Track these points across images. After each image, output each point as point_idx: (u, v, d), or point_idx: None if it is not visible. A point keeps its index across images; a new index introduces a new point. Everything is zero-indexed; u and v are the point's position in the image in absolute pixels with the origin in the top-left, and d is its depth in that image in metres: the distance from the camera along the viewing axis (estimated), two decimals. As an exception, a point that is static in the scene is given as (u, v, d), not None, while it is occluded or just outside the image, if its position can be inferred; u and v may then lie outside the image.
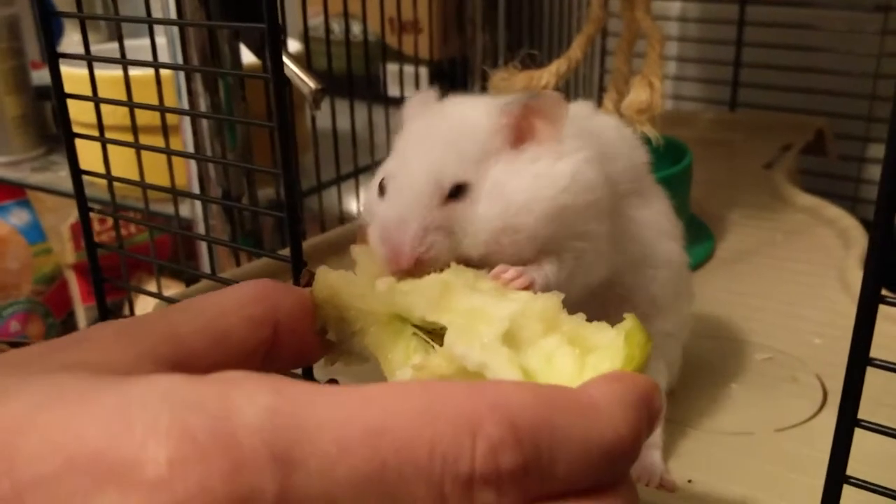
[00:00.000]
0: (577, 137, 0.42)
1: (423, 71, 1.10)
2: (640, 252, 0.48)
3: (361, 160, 0.86)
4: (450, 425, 0.22)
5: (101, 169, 0.56)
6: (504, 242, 0.40)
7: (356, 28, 1.02)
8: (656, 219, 0.50)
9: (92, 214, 0.58)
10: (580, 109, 0.49)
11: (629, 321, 0.31)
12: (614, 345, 0.30)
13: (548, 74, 0.74)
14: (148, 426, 0.20)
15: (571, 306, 0.33)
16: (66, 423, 0.21)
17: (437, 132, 0.42)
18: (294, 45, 1.00)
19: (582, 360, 0.30)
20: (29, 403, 0.22)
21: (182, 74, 0.75)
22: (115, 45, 0.57)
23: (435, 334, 0.35)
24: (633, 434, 0.25)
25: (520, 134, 0.42)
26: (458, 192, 0.40)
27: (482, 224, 0.40)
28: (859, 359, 0.33)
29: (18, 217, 1.14)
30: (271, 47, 0.42)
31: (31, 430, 0.21)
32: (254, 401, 0.21)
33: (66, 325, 1.17)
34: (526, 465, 0.22)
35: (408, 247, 0.38)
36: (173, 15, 0.72)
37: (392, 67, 1.10)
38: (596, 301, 0.47)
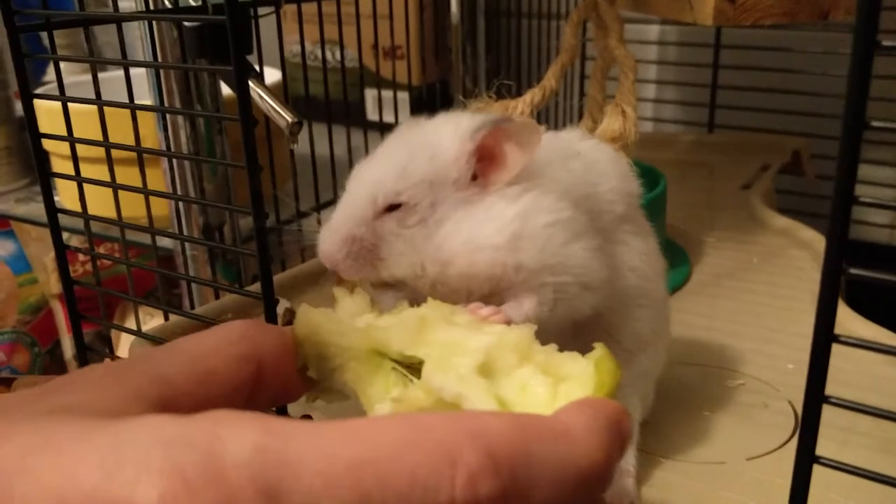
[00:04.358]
0: (543, 169, 0.42)
1: (404, 96, 1.11)
2: (633, 284, 0.47)
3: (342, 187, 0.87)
4: (430, 455, 0.23)
5: (83, 196, 0.57)
6: (429, 275, 0.40)
7: (338, 54, 1.03)
8: (649, 252, 0.49)
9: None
10: (570, 134, 0.49)
11: (599, 350, 0.32)
12: (585, 373, 0.31)
13: (522, 104, 0.74)
14: (139, 465, 0.21)
15: (558, 345, 0.34)
16: (59, 465, 0.21)
17: (396, 149, 0.42)
18: (274, 73, 1.01)
19: (555, 389, 0.32)
20: (21, 446, 0.22)
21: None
22: (101, 75, 0.58)
23: (413, 368, 0.36)
24: (605, 458, 0.26)
25: (488, 158, 0.41)
26: (395, 209, 0.40)
27: (408, 251, 0.40)
28: (815, 398, 0.34)
29: (3, 247, 1.14)
30: (239, 91, 0.43)
31: (24, 473, 0.21)
32: (241, 438, 0.22)
33: (53, 354, 1.16)
34: (504, 492, 0.23)
35: (331, 255, 0.40)
36: (150, 48, 0.73)
37: (373, 93, 1.11)
38: (583, 339, 0.47)
